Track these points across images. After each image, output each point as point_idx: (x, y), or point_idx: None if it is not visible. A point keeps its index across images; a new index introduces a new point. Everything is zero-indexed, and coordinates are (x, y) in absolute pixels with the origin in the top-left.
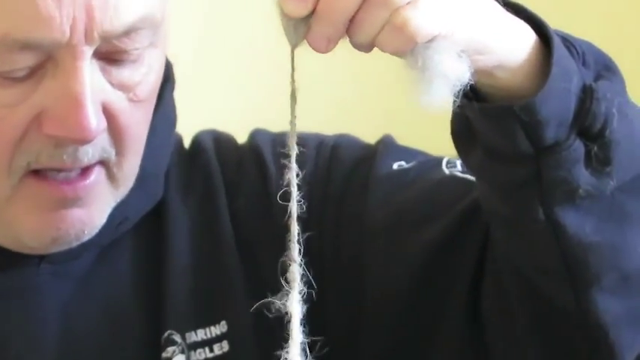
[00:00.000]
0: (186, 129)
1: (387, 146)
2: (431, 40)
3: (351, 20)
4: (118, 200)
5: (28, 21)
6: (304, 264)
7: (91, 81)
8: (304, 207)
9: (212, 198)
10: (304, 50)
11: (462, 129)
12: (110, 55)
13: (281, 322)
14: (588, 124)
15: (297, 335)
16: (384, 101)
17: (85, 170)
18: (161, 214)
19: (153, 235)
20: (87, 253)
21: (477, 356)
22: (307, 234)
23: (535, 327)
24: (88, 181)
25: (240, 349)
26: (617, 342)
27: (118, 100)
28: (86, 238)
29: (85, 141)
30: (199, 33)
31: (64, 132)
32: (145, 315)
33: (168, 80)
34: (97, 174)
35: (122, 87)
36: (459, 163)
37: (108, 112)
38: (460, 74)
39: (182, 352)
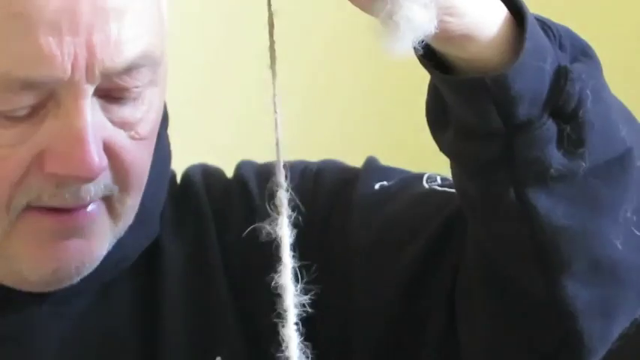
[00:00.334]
0: (177, 164)
1: (370, 168)
2: None
3: None
4: (117, 237)
5: (30, 59)
6: (298, 291)
7: (92, 119)
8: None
9: (202, 232)
10: (303, 58)
11: (436, 110)
12: (111, 93)
13: (277, 348)
14: (562, 104)
15: (287, 260)
16: (382, 105)
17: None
18: (156, 250)
19: (148, 272)
20: (86, 292)
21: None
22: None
23: (502, 315)
24: (87, 209)
25: None
26: (586, 331)
27: (120, 138)
28: (86, 271)
29: (88, 179)
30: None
31: (66, 170)
32: (141, 353)
33: (164, 118)
34: (98, 205)
35: (123, 125)
36: (439, 177)
37: (110, 150)
38: (425, 22)
39: None
